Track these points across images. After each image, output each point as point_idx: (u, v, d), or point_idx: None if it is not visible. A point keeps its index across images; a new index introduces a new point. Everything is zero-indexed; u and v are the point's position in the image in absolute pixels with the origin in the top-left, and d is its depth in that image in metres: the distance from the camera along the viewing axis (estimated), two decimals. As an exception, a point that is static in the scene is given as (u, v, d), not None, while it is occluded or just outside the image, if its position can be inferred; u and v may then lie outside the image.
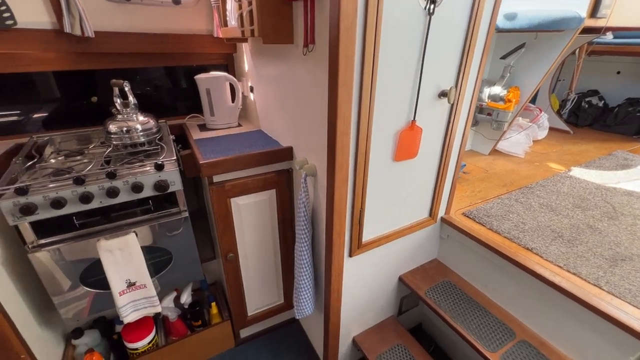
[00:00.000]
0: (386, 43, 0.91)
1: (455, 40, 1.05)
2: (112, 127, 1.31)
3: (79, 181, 1.09)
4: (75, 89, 1.56)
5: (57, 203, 1.06)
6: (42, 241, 1.13)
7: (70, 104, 1.58)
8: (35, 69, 1.44)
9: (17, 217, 1.03)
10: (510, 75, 1.81)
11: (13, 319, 1.10)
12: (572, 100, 2.67)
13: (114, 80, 1.34)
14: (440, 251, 1.55)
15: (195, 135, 1.56)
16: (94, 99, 1.62)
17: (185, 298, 1.56)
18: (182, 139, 1.65)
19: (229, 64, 1.84)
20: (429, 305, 1.32)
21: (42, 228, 1.13)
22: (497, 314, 1.26)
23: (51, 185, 1.08)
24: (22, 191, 1.02)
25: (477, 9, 1.02)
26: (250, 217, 1.36)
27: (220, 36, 1.61)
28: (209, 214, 1.54)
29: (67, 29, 1.35)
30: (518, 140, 2.10)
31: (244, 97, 1.80)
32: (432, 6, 0.93)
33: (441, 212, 1.44)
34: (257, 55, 1.50)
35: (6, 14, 1.27)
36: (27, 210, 1.03)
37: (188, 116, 1.85)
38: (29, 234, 1.10)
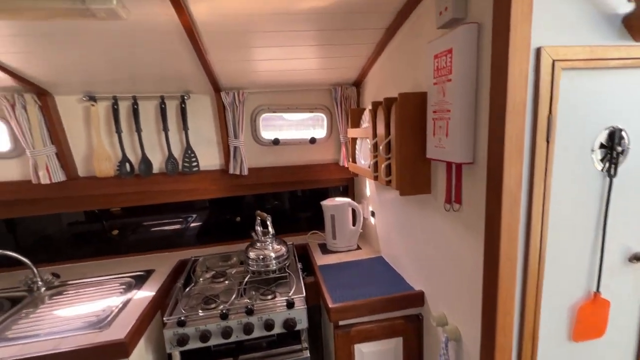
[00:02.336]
0: (556, 211, 0.79)
1: (647, 194, 0.85)
2: (252, 254, 1.47)
3: (224, 316, 1.18)
4: (223, 210, 1.88)
5: (204, 336, 1.16)
6: (185, 367, 1.22)
7: (218, 222, 1.89)
8: (202, 197, 1.81)
9: (173, 345, 1.16)
10: None
11: None
12: None
13: (259, 212, 1.56)
14: None
15: (318, 259, 1.61)
16: (238, 219, 1.90)
17: None
18: (304, 258, 1.72)
19: (350, 185, 1.97)
20: None
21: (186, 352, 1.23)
22: None
23: (201, 314, 1.21)
24: (181, 323, 1.16)
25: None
26: (373, 367, 1.22)
27: (346, 166, 1.77)
28: (327, 356, 1.45)
29: (231, 170, 1.69)
30: None
31: (364, 219, 1.84)
32: (612, 167, 0.79)
33: (647, 409, 1.01)
34: (382, 187, 1.54)
35: (194, 163, 1.68)
36: (182, 341, 1.15)
37: (310, 232, 1.96)
38: (177, 360, 1.21)
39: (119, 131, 1.56)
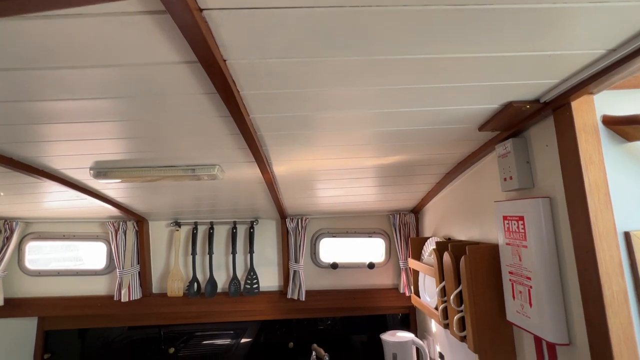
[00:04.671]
0: None
1: None
2: (306, 399, 1.33)
3: None
4: (275, 330, 1.83)
5: None
6: None
7: (270, 344, 1.82)
8: (258, 318, 1.80)
9: None
10: None
11: None
12: None
13: (315, 347, 1.48)
14: None
15: (379, 411, 1.40)
16: (291, 344, 1.81)
17: None
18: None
19: (410, 315, 1.82)
20: None
21: None
22: None
23: None
24: None
25: None
26: None
27: (407, 295, 1.67)
28: None
29: (289, 294, 1.69)
30: None
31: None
32: None
33: None
34: (450, 326, 1.40)
35: (255, 285, 1.73)
36: None
37: (367, 367, 1.77)
38: None
39: (194, 253, 1.72)
